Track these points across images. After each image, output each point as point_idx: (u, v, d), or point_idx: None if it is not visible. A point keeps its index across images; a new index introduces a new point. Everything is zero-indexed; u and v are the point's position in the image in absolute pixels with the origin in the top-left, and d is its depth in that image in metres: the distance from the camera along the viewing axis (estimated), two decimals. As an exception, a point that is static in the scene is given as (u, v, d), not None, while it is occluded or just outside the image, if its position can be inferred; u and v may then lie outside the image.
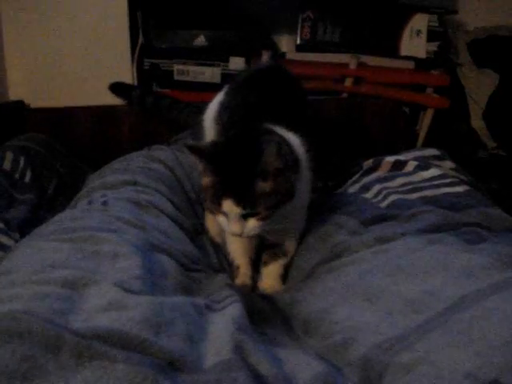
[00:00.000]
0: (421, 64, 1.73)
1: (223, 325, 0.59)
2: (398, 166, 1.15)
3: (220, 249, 1.03)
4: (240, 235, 0.78)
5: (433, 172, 1.08)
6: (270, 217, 0.77)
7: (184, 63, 1.66)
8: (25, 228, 1.00)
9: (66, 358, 0.47)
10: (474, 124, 1.80)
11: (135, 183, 1.07)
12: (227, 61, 1.66)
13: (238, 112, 0.95)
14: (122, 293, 0.60)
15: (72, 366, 0.47)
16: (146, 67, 1.66)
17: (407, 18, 1.72)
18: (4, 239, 0.93)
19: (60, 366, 0.46)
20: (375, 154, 1.26)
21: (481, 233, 0.81)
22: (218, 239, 1.04)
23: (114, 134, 1.61)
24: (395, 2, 1.71)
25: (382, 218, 0.92)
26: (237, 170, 0.75)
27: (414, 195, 1.02)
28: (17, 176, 1.25)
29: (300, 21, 1.71)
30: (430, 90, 1.73)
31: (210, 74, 1.67)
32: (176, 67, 1.66)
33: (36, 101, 1.62)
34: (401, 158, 1.18)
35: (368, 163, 1.22)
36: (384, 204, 1.01)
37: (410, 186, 1.06)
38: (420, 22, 1.72)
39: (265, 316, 0.73)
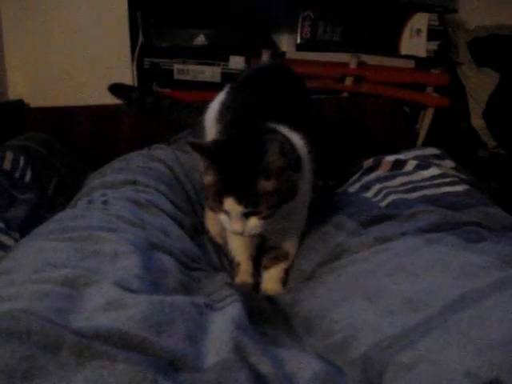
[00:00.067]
0: (421, 63, 1.73)
1: (223, 324, 0.59)
2: (398, 165, 1.15)
3: (220, 247, 1.03)
4: (241, 234, 0.78)
5: (433, 171, 1.08)
6: (271, 216, 0.77)
7: (184, 62, 1.66)
8: (25, 227, 1.00)
9: (66, 357, 0.47)
10: (474, 123, 1.80)
11: (135, 182, 1.07)
12: (227, 60, 1.66)
13: (240, 111, 0.94)
14: (121, 292, 0.60)
15: (72, 365, 0.47)
16: (146, 66, 1.66)
17: (407, 16, 1.72)
18: (4, 239, 0.93)
19: (60, 365, 0.46)
20: (375, 153, 1.26)
21: (481, 232, 0.81)
22: (217, 239, 1.04)
23: (113, 133, 1.60)
24: (395, 1, 1.71)
25: (381, 218, 0.92)
26: (239, 168, 0.75)
27: (414, 194, 1.02)
28: (17, 175, 1.25)
29: (300, 20, 1.71)
30: (430, 89, 1.72)
31: (210, 73, 1.67)
32: (176, 66, 1.66)
33: (36, 100, 1.62)
34: (401, 157, 1.18)
35: (368, 162, 1.22)
36: (384, 203, 1.01)
37: (410, 186, 1.06)
38: (420, 20, 1.72)
39: (265, 316, 0.73)
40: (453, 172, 1.10)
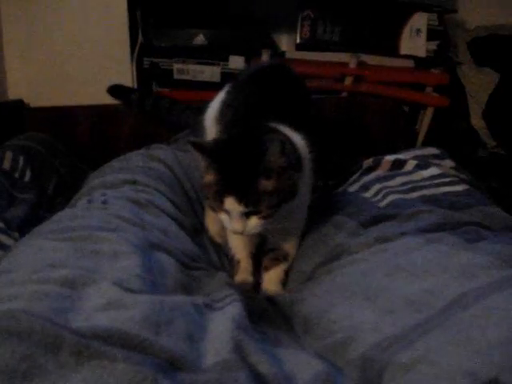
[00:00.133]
0: (421, 63, 1.72)
1: (223, 324, 0.59)
2: (398, 165, 1.15)
3: (220, 247, 1.03)
4: (241, 233, 0.78)
5: (432, 171, 1.08)
6: (271, 215, 0.77)
7: (184, 62, 1.66)
8: (24, 227, 1.00)
9: (66, 357, 0.47)
10: (473, 123, 1.79)
11: (135, 182, 1.06)
12: (227, 60, 1.66)
13: (240, 111, 0.94)
14: (121, 292, 0.60)
15: (71, 365, 0.47)
16: (146, 66, 1.66)
17: (407, 16, 1.72)
18: (3, 238, 0.94)
19: (59, 365, 0.46)
20: (375, 152, 1.26)
21: (481, 232, 0.81)
22: (217, 239, 1.04)
23: (113, 133, 1.60)
24: (395, 1, 1.71)
25: (381, 218, 0.92)
26: (240, 167, 0.75)
27: (414, 194, 1.02)
28: (16, 175, 1.25)
29: (300, 20, 1.71)
30: (429, 89, 1.72)
31: (209, 72, 1.67)
32: (176, 66, 1.66)
33: (35, 100, 1.62)
34: (400, 157, 1.18)
35: (368, 162, 1.22)
36: (383, 203, 1.01)
37: (409, 185, 1.06)
38: (420, 20, 1.72)
39: (265, 315, 0.73)
40: (452, 172, 1.10)
